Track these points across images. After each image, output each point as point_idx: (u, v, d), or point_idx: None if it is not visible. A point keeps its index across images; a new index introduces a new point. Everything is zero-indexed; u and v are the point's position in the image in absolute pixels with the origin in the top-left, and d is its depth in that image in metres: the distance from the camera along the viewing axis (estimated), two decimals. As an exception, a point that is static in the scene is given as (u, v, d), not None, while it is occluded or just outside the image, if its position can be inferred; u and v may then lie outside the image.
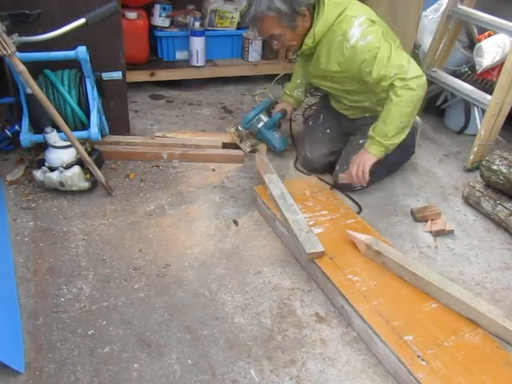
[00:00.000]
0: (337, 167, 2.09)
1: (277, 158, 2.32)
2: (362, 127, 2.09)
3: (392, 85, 1.81)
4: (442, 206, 2.08)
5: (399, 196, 2.15)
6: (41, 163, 1.90)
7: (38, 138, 1.97)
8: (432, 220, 1.95)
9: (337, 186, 2.10)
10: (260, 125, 2.28)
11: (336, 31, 1.84)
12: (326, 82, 2.05)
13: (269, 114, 2.31)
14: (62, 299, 1.49)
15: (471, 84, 2.50)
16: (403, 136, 1.89)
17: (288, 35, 1.86)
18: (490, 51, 2.50)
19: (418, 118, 2.37)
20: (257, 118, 2.27)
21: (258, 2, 1.76)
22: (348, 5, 1.84)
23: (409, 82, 1.79)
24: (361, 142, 2.06)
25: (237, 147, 2.31)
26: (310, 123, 2.35)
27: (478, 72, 2.57)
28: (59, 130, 1.82)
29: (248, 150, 2.30)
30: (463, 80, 2.57)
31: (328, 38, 1.87)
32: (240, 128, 2.29)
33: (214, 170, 2.22)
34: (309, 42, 1.88)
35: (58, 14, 1.95)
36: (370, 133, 1.89)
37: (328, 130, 2.19)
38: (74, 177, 1.88)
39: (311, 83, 2.30)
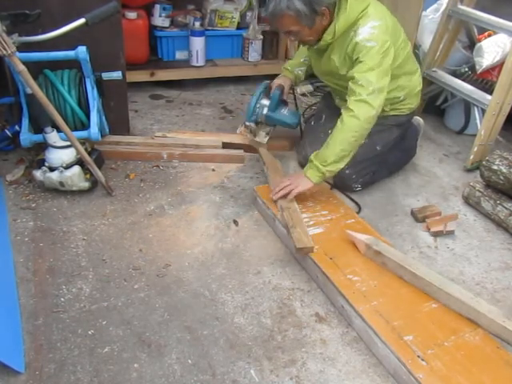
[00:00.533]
0: None
1: (276, 158, 2.31)
2: None
3: (350, 91, 1.78)
4: (442, 205, 2.08)
5: (399, 196, 2.15)
6: (41, 163, 1.90)
7: (38, 137, 1.97)
8: (433, 219, 1.95)
9: (337, 185, 2.10)
10: (265, 111, 2.18)
11: (351, 29, 1.81)
12: (334, 79, 2.04)
13: (268, 97, 2.21)
14: (62, 299, 1.49)
15: (471, 84, 2.50)
16: (341, 165, 1.82)
17: (306, 32, 1.83)
18: (490, 51, 2.50)
19: (420, 120, 2.37)
20: (258, 105, 2.18)
21: (277, 0, 1.73)
22: (371, 2, 1.82)
23: (361, 103, 1.75)
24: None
25: (238, 147, 2.31)
26: (312, 123, 2.34)
27: (478, 72, 2.57)
28: (59, 130, 1.82)
29: (266, 139, 2.22)
30: (463, 80, 2.57)
31: (343, 35, 1.84)
32: (247, 123, 2.21)
33: (213, 170, 2.22)
34: (328, 37, 1.85)
35: (58, 14, 1.95)
36: (311, 156, 1.85)
37: (330, 131, 2.18)
38: (74, 177, 1.88)
39: (318, 78, 2.27)
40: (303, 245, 1.60)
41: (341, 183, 2.09)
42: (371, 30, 1.77)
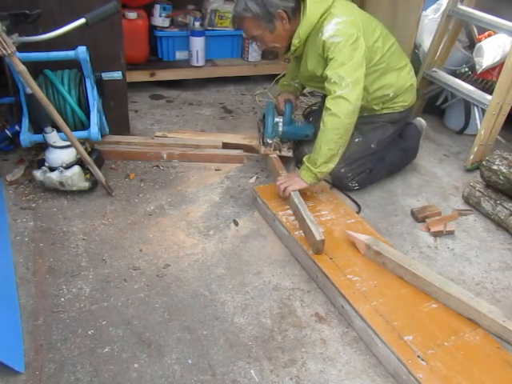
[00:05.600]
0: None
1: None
2: (359, 126, 2.09)
3: (327, 91, 1.79)
4: (442, 205, 2.08)
5: (399, 196, 2.15)
6: (41, 163, 1.90)
7: (38, 137, 1.97)
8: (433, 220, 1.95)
9: (336, 185, 2.10)
10: (281, 128, 2.17)
11: (319, 30, 1.84)
12: (315, 83, 2.06)
13: (278, 114, 2.21)
14: (62, 299, 1.49)
15: (471, 84, 2.50)
16: (332, 165, 1.83)
17: (268, 37, 1.88)
18: (490, 51, 2.49)
19: (422, 121, 2.35)
20: (275, 123, 2.17)
21: (236, 4, 1.84)
22: (333, 3, 1.84)
23: (337, 100, 1.75)
24: (356, 140, 2.07)
25: (238, 147, 2.31)
26: (310, 119, 2.35)
27: (478, 72, 2.57)
28: (59, 130, 1.82)
29: (290, 153, 2.22)
30: (463, 80, 2.57)
31: (313, 37, 1.88)
32: (270, 141, 2.18)
33: (214, 169, 2.22)
34: (295, 42, 1.89)
35: (58, 13, 1.95)
36: (304, 158, 1.88)
37: None
38: (74, 177, 1.88)
39: (305, 86, 2.30)
40: (322, 236, 1.59)
41: (337, 182, 2.11)
42: (335, 26, 1.79)
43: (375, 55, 1.93)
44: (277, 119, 2.16)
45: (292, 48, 1.93)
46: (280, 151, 2.20)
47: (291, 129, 2.18)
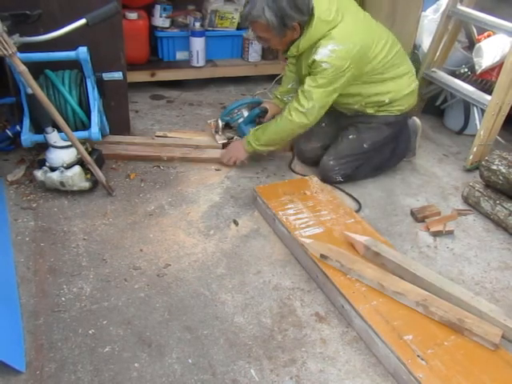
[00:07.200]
0: (324, 157, 2.14)
1: (277, 158, 2.32)
2: (355, 124, 2.12)
3: (297, 95, 1.96)
4: (441, 205, 2.08)
5: (399, 196, 2.15)
6: (41, 163, 1.90)
7: (39, 138, 1.97)
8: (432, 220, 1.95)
9: (320, 174, 2.15)
10: (240, 120, 2.28)
11: (315, 45, 1.87)
12: None
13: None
14: (63, 299, 1.49)
15: (471, 84, 2.51)
16: (271, 148, 2.13)
17: (275, 41, 1.92)
18: (489, 51, 2.50)
19: (417, 121, 2.34)
20: (238, 112, 2.28)
21: (252, 5, 1.80)
22: (339, 23, 1.85)
23: (300, 114, 1.94)
24: (350, 137, 2.10)
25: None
26: None
27: (478, 72, 2.57)
28: (60, 130, 1.83)
29: (220, 142, 2.30)
30: (463, 80, 2.57)
31: (309, 49, 1.91)
32: (219, 120, 2.31)
33: (214, 169, 2.22)
34: (293, 50, 1.95)
35: (59, 14, 1.96)
36: (251, 129, 2.12)
37: (323, 124, 2.20)
38: (75, 177, 1.88)
39: None
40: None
41: (323, 172, 2.14)
42: (329, 52, 1.84)
43: (374, 67, 1.95)
44: (245, 112, 2.30)
45: (289, 53, 1.98)
46: (216, 133, 2.33)
47: (243, 129, 2.27)
